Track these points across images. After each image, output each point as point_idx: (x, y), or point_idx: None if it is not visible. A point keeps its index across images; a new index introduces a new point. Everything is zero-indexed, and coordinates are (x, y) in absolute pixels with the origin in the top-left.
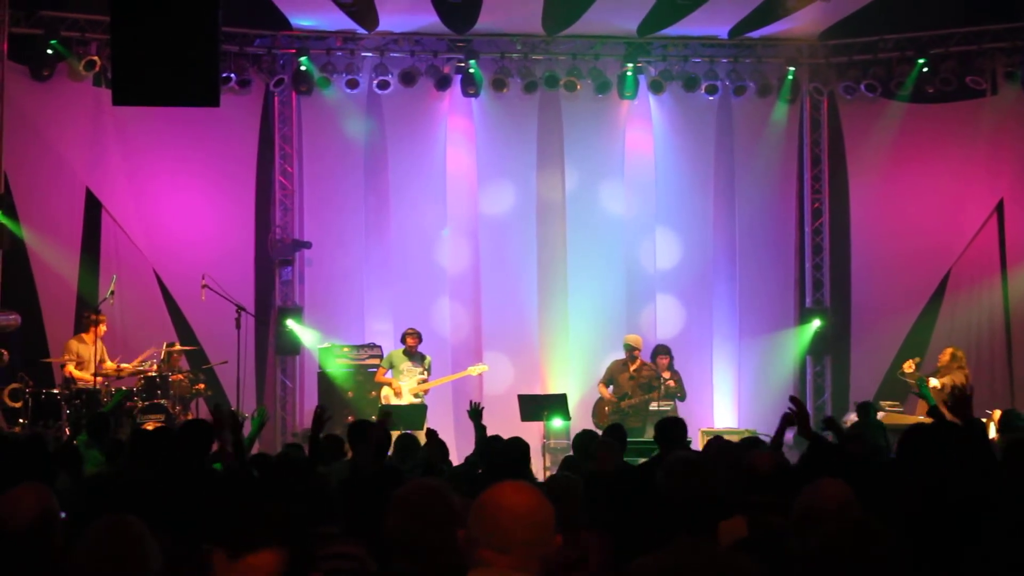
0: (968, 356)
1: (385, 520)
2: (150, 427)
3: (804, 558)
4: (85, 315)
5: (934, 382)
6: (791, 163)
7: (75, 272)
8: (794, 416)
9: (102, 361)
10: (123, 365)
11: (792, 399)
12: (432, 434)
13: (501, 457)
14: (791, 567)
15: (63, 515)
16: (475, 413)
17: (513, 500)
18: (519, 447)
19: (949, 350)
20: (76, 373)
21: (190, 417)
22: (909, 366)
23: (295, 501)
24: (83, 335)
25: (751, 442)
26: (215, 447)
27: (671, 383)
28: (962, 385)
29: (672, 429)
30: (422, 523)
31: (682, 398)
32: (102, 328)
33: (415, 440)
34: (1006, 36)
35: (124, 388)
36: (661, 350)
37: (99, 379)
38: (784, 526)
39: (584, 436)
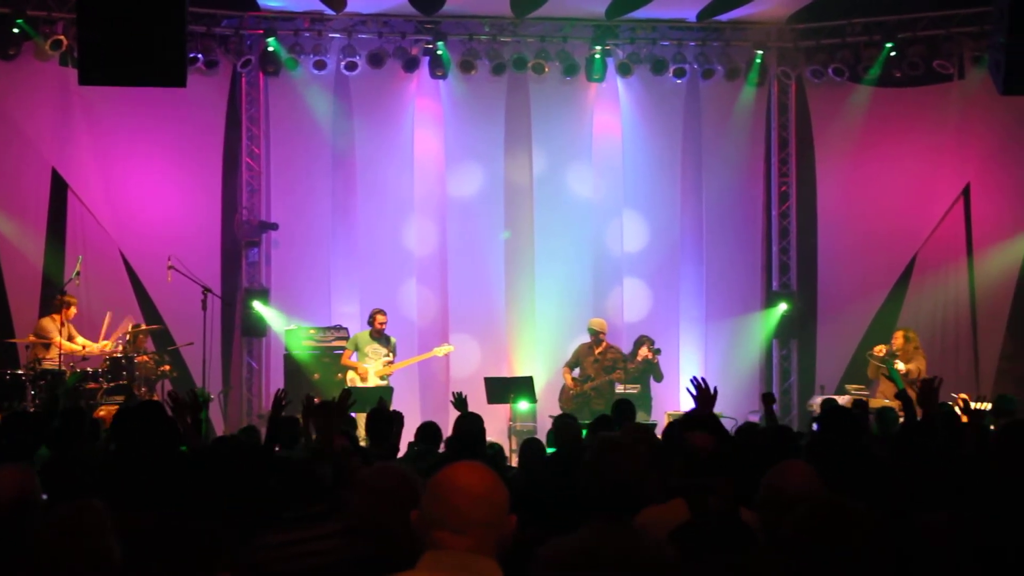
0: (934, 340)
1: (350, 503)
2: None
3: (779, 541)
4: (57, 297)
5: (900, 365)
6: (758, 146)
7: (41, 253)
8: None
9: (72, 338)
10: (93, 344)
11: (693, 379)
12: (398, 416)
13: (461, 432)
14: (759, 551)
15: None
16: (461, 403)
17: (469, 480)
18: (476, 422)
19: (900, 332)
20: (68, 346)
21: (155, 399)
22: (880, 350)
23: (251, 490)
24: (54, 315)
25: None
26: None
27: (634, 363)
28: (931, 377)
29: (626, 409)
30: (387, 506)
31: (658, 378)
32: (72, 311)
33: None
34: (973, 21)
35: (88, 370)
36: (643, 340)
37: (76, 354)
38: (724, 508)
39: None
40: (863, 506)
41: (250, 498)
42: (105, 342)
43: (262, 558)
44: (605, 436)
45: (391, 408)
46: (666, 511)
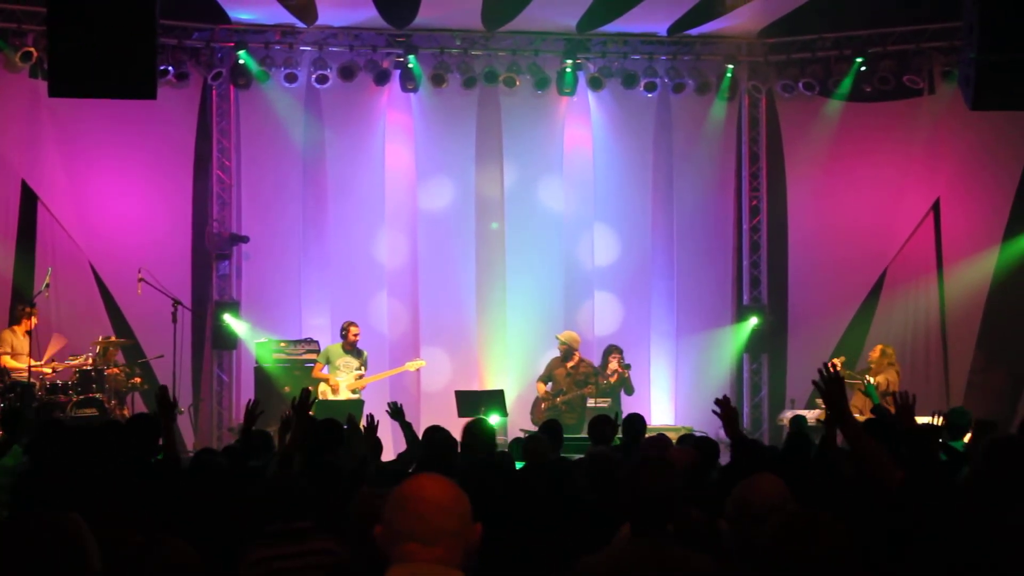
0: (904, 355)
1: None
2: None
3: (753, 552)
4: (19, 308)
5: (871, 380)
6: (729, 161)
7: (10, 265)
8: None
9: (19, 355)
10: (35, 363)
11: (718, 401)
12: (370, 428)
13: (434, 447)
14: (730, 561)
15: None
16: (397, 412)
17: (436, 492)
18: (447, 437)
19: (879, 347)
20: (11, 363)
21: (126, 412)
22: (837, 363)
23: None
24: (15, 327)
25: (685, 439)
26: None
27: (615, 377)
28: (904, 392)
29: (603, 426)
30: None
31: (629, 392)
32: (33, 321)
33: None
34: (943, 35)
35: (58, 382)
36: (611, 349)
37: (39, 370)
38: (702, 519)
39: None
40: (836, 518)
41: (231, 513)
42: (40, 362)
43: (249, 573)
44: (639, 456)
45: (361, 422)
46: None
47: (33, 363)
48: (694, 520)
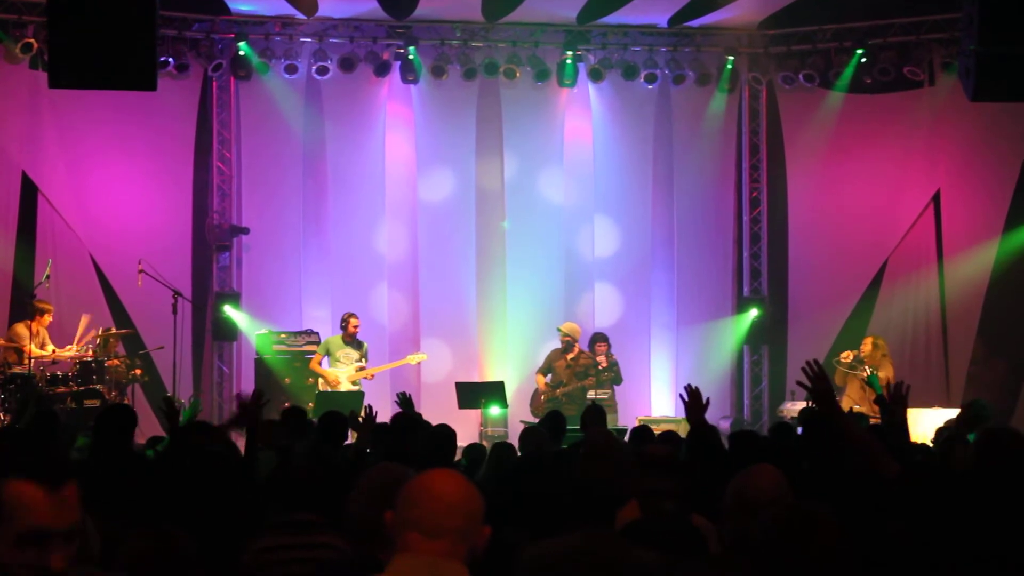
0: (904, 346)
1: (347, 505)
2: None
3: (748, 543)
4: (32, 304)
5: (869, 371)
6: (729, 152)
7: (11, 256)
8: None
9: (43, 345)
10: (62, 352)
11: (687, 387)
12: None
13: (429, 444)
14: (726, 552)
15: None
16: (406, 403)
17: (448, 487)
18: (446, 434)
19: (869, 339)
20: (37, 352)
21: (127, 403)
22: (847, 356)
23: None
24: (28, 322)
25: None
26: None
27: (603, 366)
28: (900, 383)
29: (594, 417)
30: (387, 508)
31: (617, 382)
32: (47, 319)
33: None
34: (944, 27)
35: (58, 373)
36: (598, 337)
37: (45, 359)
38: (676, 511)
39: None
40: (830, 511)
41: (232, 504)
42: (71, 347)
43: (252, 561)
44: (583, 447)
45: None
46: (620, 511)
47: (61, 350)
48: (669, 512)
